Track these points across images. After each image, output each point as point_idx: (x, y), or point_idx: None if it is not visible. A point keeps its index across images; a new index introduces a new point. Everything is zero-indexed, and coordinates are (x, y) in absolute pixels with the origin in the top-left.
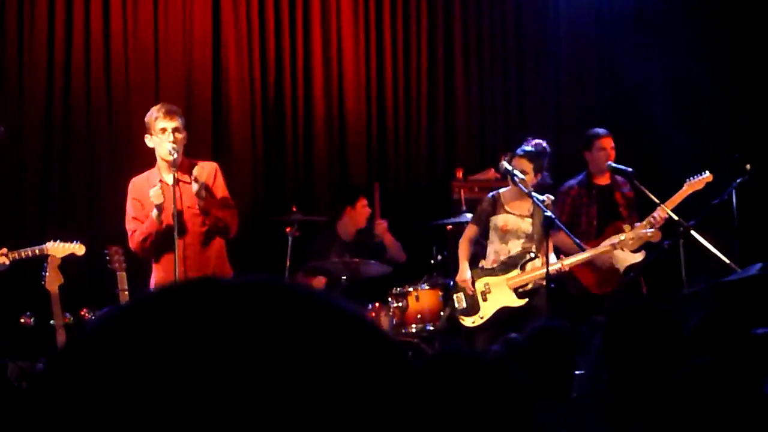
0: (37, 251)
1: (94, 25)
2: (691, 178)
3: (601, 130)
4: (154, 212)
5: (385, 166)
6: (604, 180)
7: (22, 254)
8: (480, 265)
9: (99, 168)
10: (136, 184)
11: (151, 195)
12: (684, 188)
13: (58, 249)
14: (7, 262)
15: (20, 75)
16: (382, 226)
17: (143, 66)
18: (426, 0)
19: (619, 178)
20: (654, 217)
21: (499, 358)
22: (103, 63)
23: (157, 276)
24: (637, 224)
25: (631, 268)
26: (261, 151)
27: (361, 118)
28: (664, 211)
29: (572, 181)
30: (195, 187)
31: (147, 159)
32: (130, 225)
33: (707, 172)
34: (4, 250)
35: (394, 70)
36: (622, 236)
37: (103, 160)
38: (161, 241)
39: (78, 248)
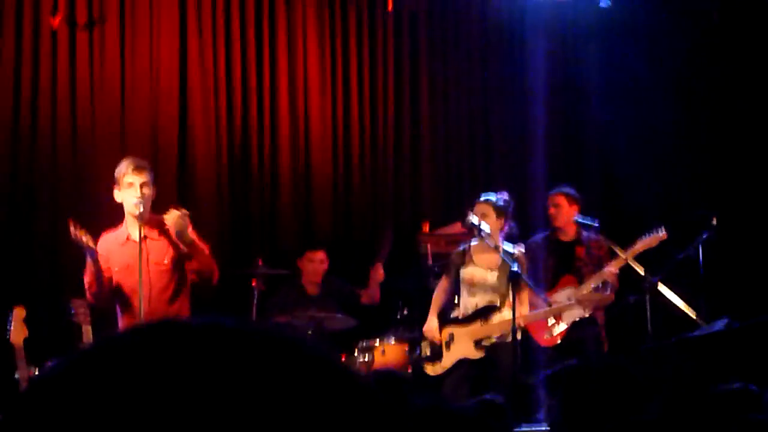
0: None
1: (60, 77)
2: (646, 235)
3: (556, 188)
4: (89, 258)
5: (350, 217)
6: (566, 236)
7: None
8: (452, 315)
9: (63, 221)
10: (105, 239)
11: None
12: (637, 245)
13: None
14: None
15: None
16: (379, 274)
17: (109, 117)
18: (393, 50)
19: (587, 235)
20: (605, 272)
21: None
22: (68, 114)
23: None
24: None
25: (577, 323)
26: (226, 203)
27: (327, 169)
28: (616, 267)
29: (537, 236)
30: (176, 232)
31: (114, 213)
32: (87, 278)
33: (662, 230)
34: None
35: (360, 122)
36: (575, 294)
37: (68, 213)
38: (124, 296)
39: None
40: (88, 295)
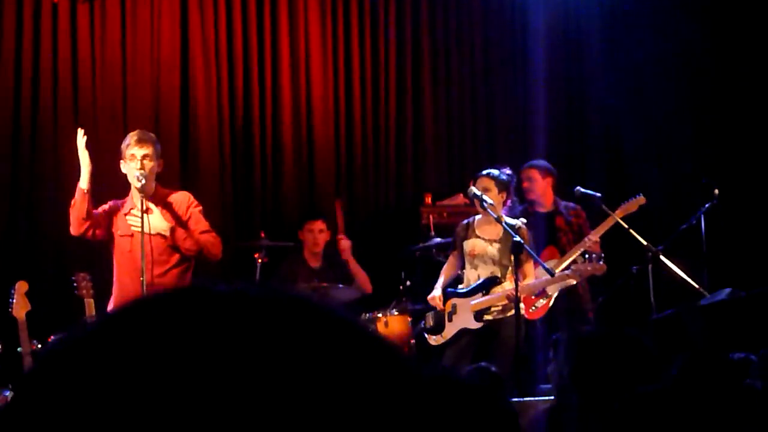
0: None
1: (61, 52)
2: (624, 202)
3: (525, 164)
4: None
5: (353, 190)
6: (543, 208)
7: None
8: (458, 288)
9: (65, 196)
10: (112, 204)
11: (129, 220)
12: (617, 211)
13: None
14: None
15: None
16: (343, 242)
17: (111, 92)
18: (395, 25)
19: (564, 204)
20: (585, 241)
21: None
22: (70, 88)
23: (117, 299)
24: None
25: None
26: (229, 177)
27: (329, 142)
28: (596, 235)
29: (513, 210)
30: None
31: (116, 187)
32: (74, 212)
33: (640, 194)
34: None
35: (362, 94)
36: (558, 264)
37: (71, 188)
38: (123, 265)
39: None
40: (75, 226)
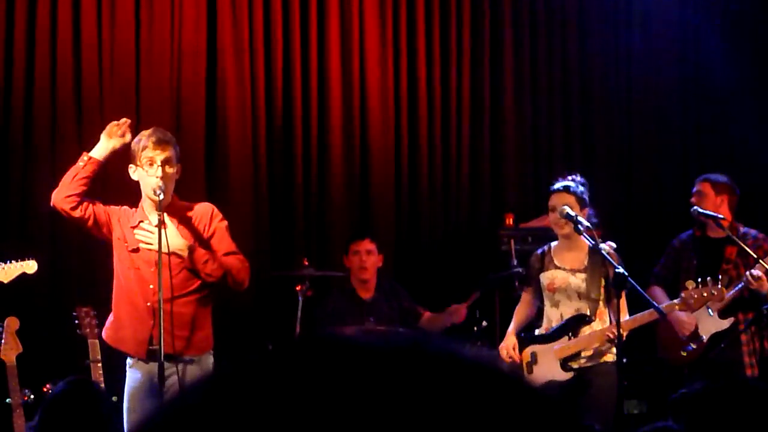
0: None
1: (61, 34)
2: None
3: (701, 177)
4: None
5: (417, 211)
6: (715, 232)
7: None
8: (535, 332)
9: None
10: (123, 210)
11: (137, 235)
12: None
13: (4, 272)
14: None
15: None
16: (461, 312)
17: (121, 85)
18: (469, 10)
19: (745, 231)
20: (748, 275)
21: None
22: (72, 78)
23: (120, 330)
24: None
25: (719, 336)
26: (264, 189)
27: (387, 149)
28: (763, 268)
29: (684, 233)
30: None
31: (125, 194)
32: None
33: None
34: None
35: (429, 94)
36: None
37: None
38: (133, 288)
39: (28, 266)
40: (60, 190)
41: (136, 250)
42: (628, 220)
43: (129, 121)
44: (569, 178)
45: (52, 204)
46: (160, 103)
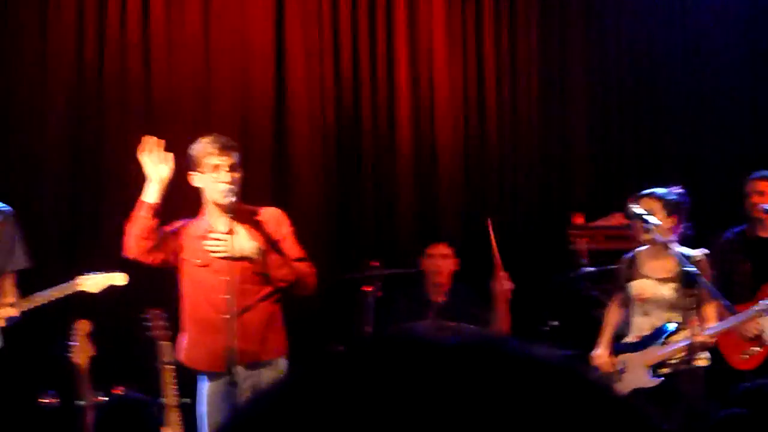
0: (64, 290)
1: (130, 35)
2: None
3: (760, 173)
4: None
5: (484, 208)
6: (766, 231)
7: (42, 299)
8: (625, 340)
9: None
10: (186, 230)
11: (206, 246)
12: None
13: (92, 283)
14: (17, 314)
15: (41, 92)
16: (505, 283)
17: (188, 86)
18: (537, 6)
19: None
20: None
21: None
22: (142, 74)
23: (195, 349)
24: None
25: None
26: (332, 190)
27: (456, 149)
28: None
29: (729, 233)
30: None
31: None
32: (135, 228)
33: None
34: (10, 299)
35: (497, 92)
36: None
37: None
38: (202, 299)
39: (117, 277)
40: (130, 246)
41: (207, 264)
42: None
43: (154, 138)
44: (667, 188)
45: (125, 256)
46: (228, 104)
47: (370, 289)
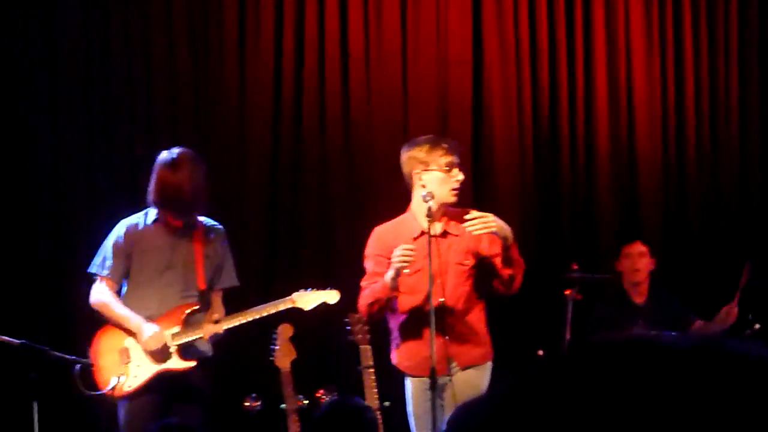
0: (278, 306)
1: (329, 46)
2: None
3: None
4: (390, 274)
5: (686, 214)
6: None
7: (254, 314)
8: None
9: (333, 214)
10: (381, 236)
11: (395, 256)
12: None
13: (306, 300)
14: (221, 331)
15: (241, 108)
16: (730, 318)
17: (388, 96)
18: (737, 4)
19: None
20: None
21: None
22: (340, 89)
23: (411, 358)
24: None
25: None
26: (532, 197)
27: (655, 153)
28: None
29: None
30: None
31: (391, 202)
32: (365, 282)
33: None
34: (216, 315)
35: (696, 96)
36: None
37: (338, 206)
38: (409, 305)
39: (329, 295)
40: (362, 308)
41: (418, 269)
42: None
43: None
44: None
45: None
46: (427, 112)
47: (569, 292)
